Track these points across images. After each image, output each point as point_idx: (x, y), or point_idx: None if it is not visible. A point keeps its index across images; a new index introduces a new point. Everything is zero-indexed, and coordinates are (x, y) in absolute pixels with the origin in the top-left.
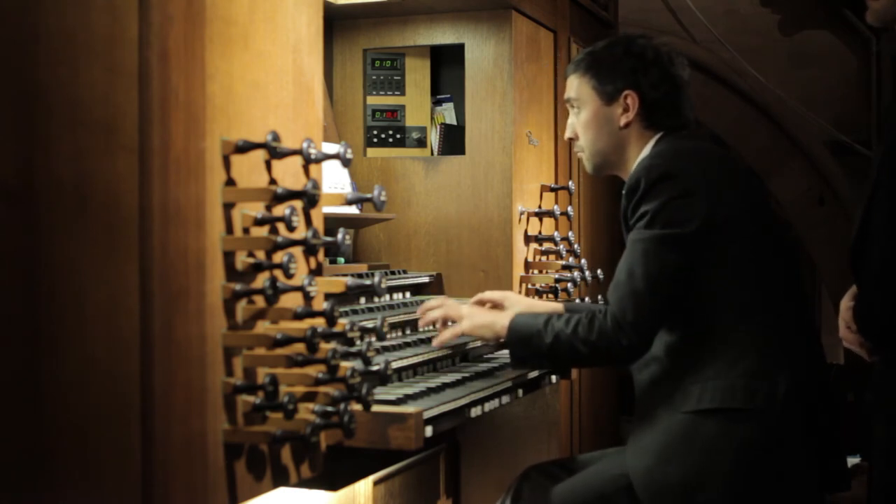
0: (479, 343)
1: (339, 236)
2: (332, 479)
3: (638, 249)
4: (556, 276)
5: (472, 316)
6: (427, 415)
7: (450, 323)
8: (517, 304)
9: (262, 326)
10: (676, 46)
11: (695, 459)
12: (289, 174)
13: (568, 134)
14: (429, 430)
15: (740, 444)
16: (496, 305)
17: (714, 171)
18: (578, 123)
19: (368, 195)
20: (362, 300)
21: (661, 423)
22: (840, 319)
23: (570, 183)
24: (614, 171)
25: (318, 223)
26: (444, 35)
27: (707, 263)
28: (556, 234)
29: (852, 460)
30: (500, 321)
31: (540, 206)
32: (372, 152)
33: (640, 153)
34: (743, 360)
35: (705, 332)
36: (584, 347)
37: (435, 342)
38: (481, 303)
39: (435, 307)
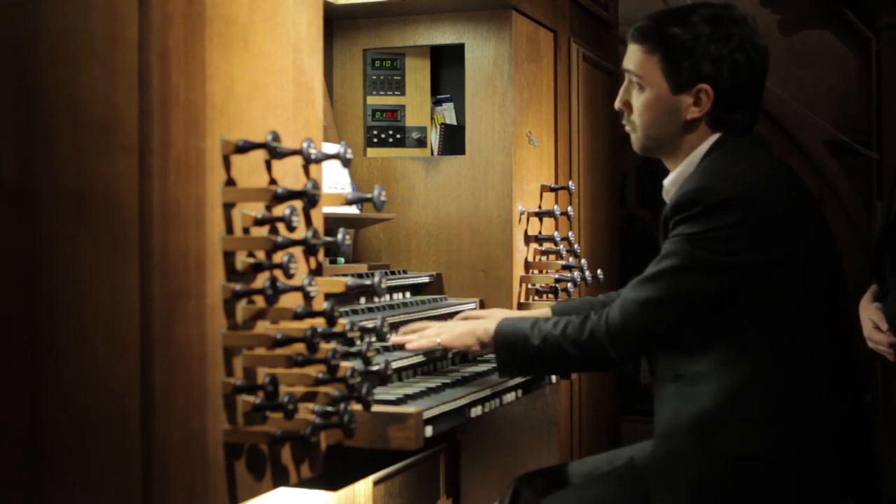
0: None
1: (339, 236)
2: (332, 479)
3: (672, 261)
4: (556, 276)
5: (451, 328)
6: (427, 415)
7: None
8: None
9: (262, 326)
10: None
11: None
12: (289, 174)
13: (618, 104)
14: (429, 430)
15: (785, 492)
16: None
17: (780, 203)
18: (637, 101)
19: (368, 195)
20: (362, 300)
21: (691, 461)
22: (864, 319)
23: (570, 183)
24: (660, 156)
25: (318, 223)
26: (444, 35)
27: (756, 296)
28: (556, 234)
29: None
30: (484, 326)
31: (540, 206)
32: (372, 152)
33: (693, 149)
34: (788, 406)
35: (749, 370)
36: (572, 349)
37: (408, 346)
38: (466, 318)
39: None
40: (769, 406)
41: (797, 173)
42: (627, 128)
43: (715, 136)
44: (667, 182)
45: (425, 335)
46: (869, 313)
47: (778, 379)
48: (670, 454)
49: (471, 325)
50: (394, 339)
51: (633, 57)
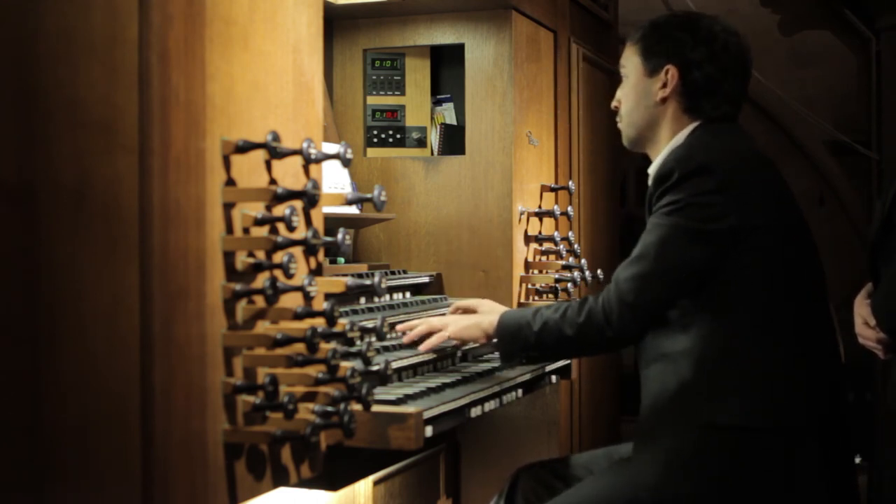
0: (475, 345)
1: (339, 236)
2: (332, 479)
3: (657, 234)
4: (556, 276)
5: (457, 321)
6: (427, 415)
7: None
8: (492, 309)
9: (262, 326)
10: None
11: (711, 476)
12: (289, 174)
13: (613, 102)
14: (429, 430)
15: (762, 463)
16: (468, 311)
17: (752, 175)
18: (622, 92)
19: (368, 195)
20: (362, 300)
21: (673, 432)
22: (856, 316)
23: (570, 183)
24: (646, 149)
25: (318, 223)
26: (444, 35)
27: (735, 268)
28: (556, 234)
29: None
30: (488, 318)
31: (540, 206)
32: (372, 152)
33: (673, 137)
34: (765, 375)
35: (728, 341)
36: (570, 330)
37: (422, 347)
38: (457, 310)
39: (415, 325)
40: (747, 376)
41: (774, 162)
42: (619, 124)
43: (693, 124)
44: (651, 170)
45: (433, 325)
46: (860, 310)
47: (756, 350)
48: (652, 427)
49: (476, 318)
50: (406, 335)
51: (623, 53)
